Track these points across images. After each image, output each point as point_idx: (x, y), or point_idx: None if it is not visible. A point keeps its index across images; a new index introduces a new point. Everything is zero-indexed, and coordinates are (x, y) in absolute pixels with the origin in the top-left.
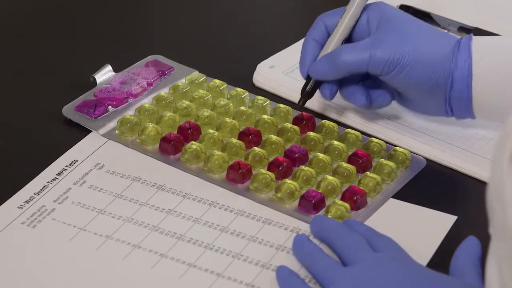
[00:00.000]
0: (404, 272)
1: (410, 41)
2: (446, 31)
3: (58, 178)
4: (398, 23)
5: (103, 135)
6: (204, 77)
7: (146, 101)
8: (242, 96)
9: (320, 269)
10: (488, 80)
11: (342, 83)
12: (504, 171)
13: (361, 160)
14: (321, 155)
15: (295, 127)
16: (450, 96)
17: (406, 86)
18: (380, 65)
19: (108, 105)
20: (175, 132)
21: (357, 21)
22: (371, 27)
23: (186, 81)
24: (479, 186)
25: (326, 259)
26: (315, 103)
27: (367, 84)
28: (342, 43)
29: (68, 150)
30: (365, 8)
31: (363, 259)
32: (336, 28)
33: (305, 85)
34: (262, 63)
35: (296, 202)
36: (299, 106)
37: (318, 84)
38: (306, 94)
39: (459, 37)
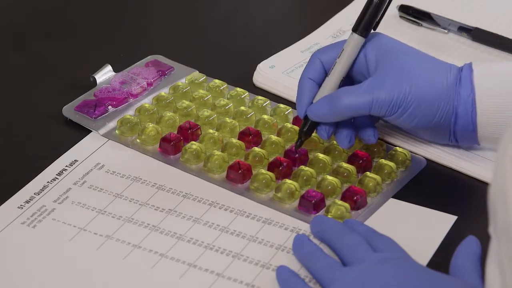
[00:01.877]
0: (404, 272)
1: (411, 79)
2: (446, 31)
3: (58, 178)
4: (397, 58)
5: (103, 135)
6: (204, 77)
7: (146, 101)
8: (242, 96)
9: (320, 269)
10: (493, 113)
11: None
12: (506, 171)
13: (361, 160)
14: (321, 155)
15: (295, 127)
16: (455, 130)
17: (410, 124)
18: (383, 108)
19: (108, 105)
20: (175, 132)
21: (355, 59)
22: (370, 63)
23: (186, 81)
24: (479, 186)
25: (326, 259)
26: None
27: (360, 119)
28: (340, 83)
29: (68, 150)
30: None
31: (363, 259)
32: (333, 68)
33: (303, 125)
34: (262, 63)
35: (296, 202)
36: (297, 146)
37: (315, 124)
38: (304, 134)
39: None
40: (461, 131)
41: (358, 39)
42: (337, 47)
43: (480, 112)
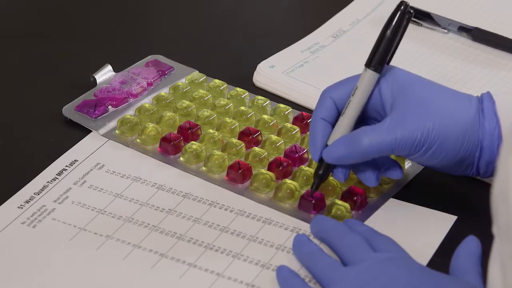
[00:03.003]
0: (404, 272)
1: (434, 114)
2: (446, 31)
3: (58, 178)
4: (415, 92)
5: (103, 135)
6: (204, 77)
7: (146, 101)
8: (242, 96)
9: (320, 269)
10: None
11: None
12: (509, 172)
13: None
14: None
15: (295, 127)
16: (479, 163)
17: (433, 162)
18: (406, 148)
19: (108, 105)
20: (175, 132)
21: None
22: (385, 100)
23: (186, 81)
24: (480, 186)
25: (326, 259)
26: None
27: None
28: (355, 122)
29: (68, 150)
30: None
31: (363, 259)
32: (348, 107)
33: (318, 168)
34: (262, 63)
35: (296, 202)
36: (313, 191)
37: (331, 166)
38: (320, 177)
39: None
40: (486, 165)
41: (372, 75)
42: (349, 83)
43: (507, 144)
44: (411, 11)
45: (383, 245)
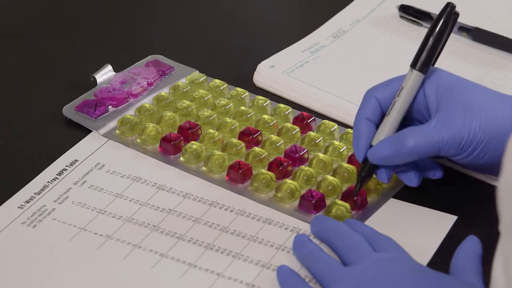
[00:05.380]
0: (405, 272)
1: (479, 115)
2: None
3: (58, 178)
4: (460, 93)
5: (104, 135)
6: (205, 77)
7: (147, 101)
8: (243, 96)
9: (321, 269)
10: None
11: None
12: None
13: None
14: (321, 155)
15: (295, 127)
16: None
17: (478, 163)
18: (452, 148)
19: (109, 105)
20: (176, 132)
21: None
22: (430, 101)
23: (187, 81)
24: (480, 186)
25: (326, 259)
26: (315, 103)
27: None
28: (400, 123)
29: (69, 150)
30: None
31: (363, 260)
32: (393, 107)
33: (361, 169)
34: (262, 63)
35: (296, 202)
36: (355, 192)
37: (374, 167)
38: (363, 178)
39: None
40: None
41: (417, 75)
42: (393, 84)
43: None
44: (457, 12)
45: (383, 245)
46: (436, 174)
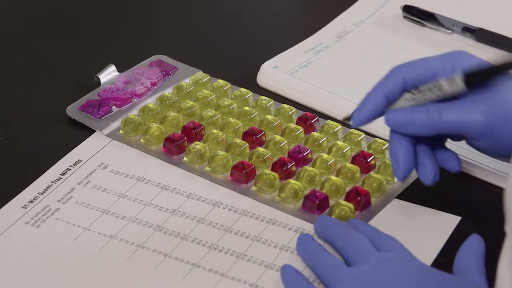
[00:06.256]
0: (408, 272)
1: (507, 98)
2: (450, 31)
3: (62, 178)
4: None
5: (107, 135)
6: (208, 77)
7: (150, 101)
8: (246, 96)
9: (324, 269)
10: None
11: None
12: None
13: (365, 161)
14: (325, 156)
15: (299, 127)
16: None
17: (498, 147)
18: (491, 124)
19: (112, 105)
20: (179, 132)
21: None
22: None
23: (190, 81)
24: (484, 186)
25: (330, 259)
26: (318, 103)
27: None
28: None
29: (72, 150)
30: (446, 59)
31: (367, 259)
32: (422, 93)
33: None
34: (266, 63)
35: (300, 202)
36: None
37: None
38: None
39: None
40: None
41: (462, 87)
42: (420, 66)
43: None
44: None
45: (386, 244)
46: (454, 167)
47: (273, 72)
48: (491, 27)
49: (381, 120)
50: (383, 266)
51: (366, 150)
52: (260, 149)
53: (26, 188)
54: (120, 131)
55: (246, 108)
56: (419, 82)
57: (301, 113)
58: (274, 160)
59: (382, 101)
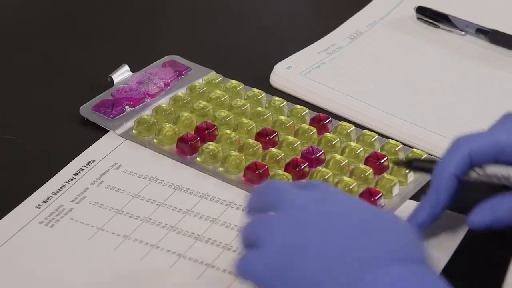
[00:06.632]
0: (342, 201)
1: None
2: (463, 33)
3: (75, 178)
4: None
5: (120, 135)
6: (221, 78)
7: (163, 101)
8: (259, 97)
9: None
10: None
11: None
12: None
13: (378, 162)
14: (338, 156)
15: (312, 128)
16: None
17: None
18: None
19: (125, 105)
20: (192, 133)
21: None
22: None
23: (203, 82)
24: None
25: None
26: (331, 104)
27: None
28: None
29: (85, 150)
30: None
31: (290, 199)
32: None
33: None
34: (279, 64)
35: None
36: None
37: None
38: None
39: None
40: None
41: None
42: (487, 136)
43: None
44: None
45: (311, 184)
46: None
47: (286, 73)
48: (505, 28)
49: (395, 123)
50: (312, 202)
51: (379, 151)
52: (273, 149)
53: (40, 188)
54: (133, 131)
55: (259, 108)
56: (485, 159)
57: (314, 114)
58: (287, 160)
59: (454, 185)
